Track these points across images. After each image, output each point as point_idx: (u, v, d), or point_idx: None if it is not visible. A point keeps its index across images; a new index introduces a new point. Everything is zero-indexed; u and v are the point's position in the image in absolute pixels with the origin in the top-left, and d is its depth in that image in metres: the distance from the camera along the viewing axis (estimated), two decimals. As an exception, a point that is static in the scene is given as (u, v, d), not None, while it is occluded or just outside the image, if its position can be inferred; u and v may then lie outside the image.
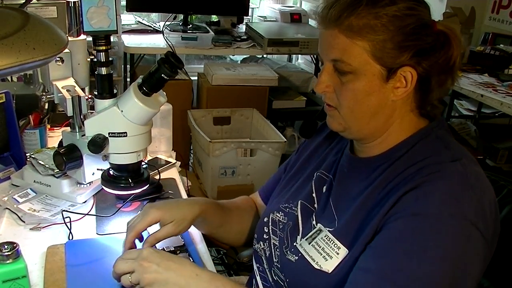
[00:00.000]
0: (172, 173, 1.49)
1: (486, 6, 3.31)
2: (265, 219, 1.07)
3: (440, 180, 0.79)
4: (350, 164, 0.96)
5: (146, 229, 1.00)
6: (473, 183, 0.80)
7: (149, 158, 1.53)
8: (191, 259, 1.05)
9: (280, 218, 1.04)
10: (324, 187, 0.99)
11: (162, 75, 0.97)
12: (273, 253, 1.01)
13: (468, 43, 2.85)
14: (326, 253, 0.88)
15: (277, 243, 1.01)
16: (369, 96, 0.85)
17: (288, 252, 0.96)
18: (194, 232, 1.18)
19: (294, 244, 0.96)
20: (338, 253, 0.87)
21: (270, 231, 1.04)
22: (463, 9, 2.89)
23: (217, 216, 1.11)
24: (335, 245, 0.88)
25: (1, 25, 0.77)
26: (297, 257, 0.93)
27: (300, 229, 0.98)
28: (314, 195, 1.00)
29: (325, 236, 0.91)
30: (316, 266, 0.89)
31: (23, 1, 1.41)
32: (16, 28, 0.78)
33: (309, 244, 0.92)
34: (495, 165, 2.96)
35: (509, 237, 0.95)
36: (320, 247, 0.90)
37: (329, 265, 0.87)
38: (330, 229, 0.91)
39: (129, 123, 1.02)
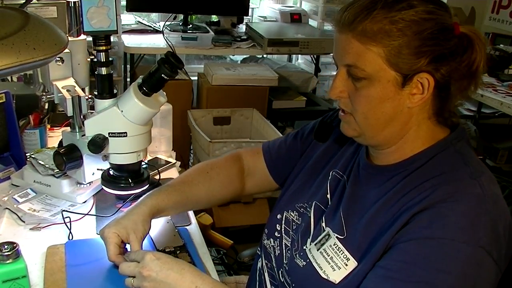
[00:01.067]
0: (172, 173, 1.50)
1: (486, 6, 3.31)
2: (278, 216, 1.05)
3: (456, 203, 0.77)
4: (365, 170, 0.94)
5: (121, 249, 0.97)
6: (489, 207, 0.78)
7: (149, 158, 1.53)
8: (191, 259, 1.06)
9: (294, 218, 1.02)
10: (338, 188, 0.97)
11: (162, 75, 0.97)
12: (284, 254, 1.00)
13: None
14: (334, 263, 0.87)
15: (288, 244, 1.00)
16: (384, 102, 0.82)
17: (297, 255, 0.95)
18: (194, 232, 1.18)
19: (304, 247, 0.94)
20: (346, 264, 0.85)
21: (283, 230, 1.02)
22: (463, 9, 2.89)
23: (175, 202, 1.06)
24: (344, 256, 0.86)
25: (1, 25, 0.77)
26: (305, 263, 0.92)
27: (312, 231, 0.96)
28: (328, 196, 0.98)
29: (334, 244, 0.89)
30: (323, 275, 0.87)
31: (23, 1, 1.41)
32: (16, 28, 0.78)
33: (318, 250, 0.91)
34: (495, 165, 2.96)
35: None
36: (328, 256, 0.88)
37: (336, 276, 0.85)
38: (339, 237, 0.89)
39: (129, 123, 1.02)
